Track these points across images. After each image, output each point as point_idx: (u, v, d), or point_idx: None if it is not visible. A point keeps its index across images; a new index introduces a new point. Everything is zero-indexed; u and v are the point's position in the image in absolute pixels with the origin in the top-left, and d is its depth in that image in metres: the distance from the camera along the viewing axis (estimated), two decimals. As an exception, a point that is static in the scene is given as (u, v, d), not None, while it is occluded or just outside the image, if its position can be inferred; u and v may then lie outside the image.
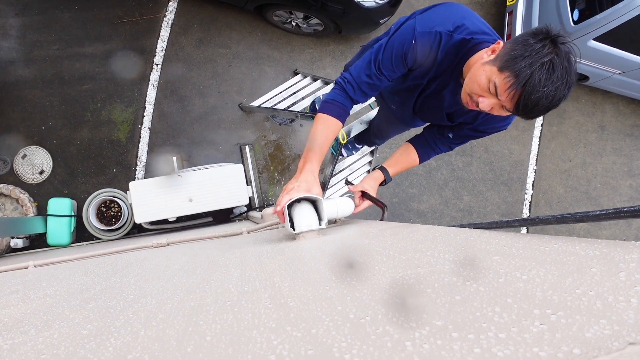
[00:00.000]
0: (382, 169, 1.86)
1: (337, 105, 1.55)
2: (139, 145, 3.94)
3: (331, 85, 3.34)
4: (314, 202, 1.38)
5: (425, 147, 1.89)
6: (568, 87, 1.16)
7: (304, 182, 1.41)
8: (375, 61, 1.47)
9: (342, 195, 2.93)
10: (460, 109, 1.56)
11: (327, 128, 1.54)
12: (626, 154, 5.30)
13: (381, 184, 1.86)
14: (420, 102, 1.68)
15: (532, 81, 1.13)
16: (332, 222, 1.84)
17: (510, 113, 1.30)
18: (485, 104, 1.29)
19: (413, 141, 1.91)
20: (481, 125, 1.70)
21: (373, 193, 1.76)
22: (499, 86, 1.22)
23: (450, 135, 1.81)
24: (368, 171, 3.07)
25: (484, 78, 1.26)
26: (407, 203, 4.58)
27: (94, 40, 3.91)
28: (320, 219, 1.34)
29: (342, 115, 1.55)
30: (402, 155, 1.91)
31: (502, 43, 1.30)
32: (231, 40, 4.20)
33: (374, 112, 2.67)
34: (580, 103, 5.21)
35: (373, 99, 2.80)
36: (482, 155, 4.79)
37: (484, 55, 1.32)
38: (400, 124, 2.13)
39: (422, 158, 1.91)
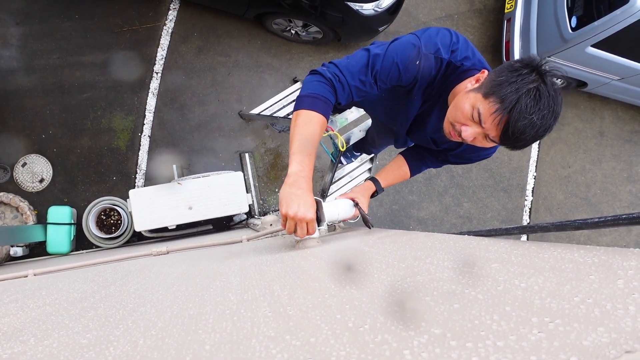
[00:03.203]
0: (374, 179, 1.84)
1: (326, 102, 1.37)
2: (139, 154, 3.95)
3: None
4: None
5: (417, 161, 1.89)
6: (554, 117, 1.13)
7: (304, 206, 1.23)
8: (373, 69, 1.37)
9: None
10: (444, 135, 1.53)
11: (321, 129, 1.36)
12: (625, 160, 5.31)
13: (372, 195, 1.82)
14: (411, 125, 1.66)
15: (518, 107, 1.10)
16: (332, 230, 1.84)
17: (494, 143, 1.25)
18: (469, 132, 1.25)
19: (405, 154, 1.92)
20: (466, 153, 1.69)
21: (364, 203, 1.71)
22: (483, 113, 1.18)
23: (440, 157, 1.82)
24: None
25: (467, 105, 1.22)
26: (407, 210, 4.57)
27: (94, 48, 3.93)
28: (320, 220, 1.34)
29: (328, 112, 1.39)
30: (393, 168, 1.90)
31: (486, 72, 1.27)
32: (231, 48, 4.22)
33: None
34: (579, 109, 5.23)
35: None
36: (481, 162, 4.79)
37: (468, 85, 1.28)
38: (391, 140, 2.11)
39: (413, 172, 1.91)
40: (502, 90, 1.13)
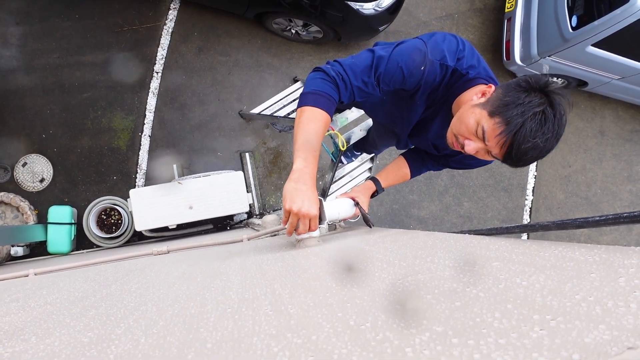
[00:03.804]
0: (374, 179, 1.84)
1: (330, 99, 1.35)
2: (139, 153, 3.95)
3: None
4: None
5: (417, 163, 1.90)
6: (557, 139, 1.15)
7: (308, 202, 1.24)
8: (377, 71, 1.35)
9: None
10: (445, 140, 1.48)
11: (325, 126, 1.35)
12: (626, 159, 5.31)
13: (373, 195, 1.82)
14: (413, 129, 1.65)
15: (523, 130, 1.11)
16: (333, 229, 1.84)
17: (495, 159, 1.27)
18: (471, 147, 1.26)
19: (406, 155, 1.92)
20: (467, 159, 1.69)
21: (364, 203, 1.71)
22: (487, 131, 1.19)
23: (440, 161, 1.83)
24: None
25: (472, 121, 1.23)
26: (407, 209, 4.57)
27: (95, 48, 3.93)
28: (320, 219, 1.34)
29: (332, 110, 1.37)
30: (394, 169, 1.91)
31: (493, 87, 1.27)
32: (231, 47, 4.22)
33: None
34: (580, 109, 5.22)
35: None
36: (482, 161, 4.79)
37: (474, 97, 1.28)
38: (392, 141, 2.10)
39: (414, 173, 1.91)
40: (508, 111, 1.14)
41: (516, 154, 1.16)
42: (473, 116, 1.23)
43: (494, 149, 1.21)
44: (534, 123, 1.10)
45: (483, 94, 1.27)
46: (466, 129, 1.25)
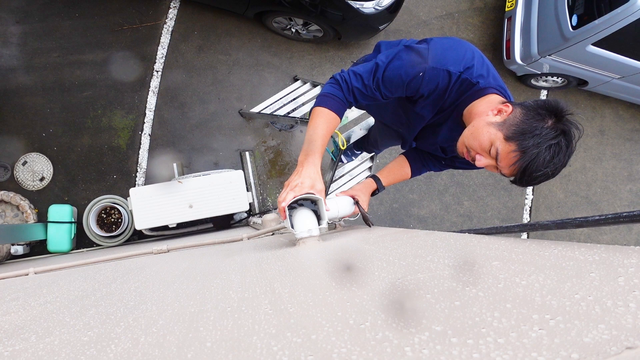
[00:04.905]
0: (375, 177, 1.85)
1: (336, 100, 1.46)
2: (139, 152, 3.95)
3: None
4: (314, 201, 1.36)
5: (419, 163, 1.91)
6: (564, 166, 1.22)
7: (308, 178, 1.33)
8: (375, 77, 1.42)
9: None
10: (454, 144, 1.50)
11: (328, 122, 1.45)
12: (626, 158, 5.30)
13: (373, 193, 1.83)
14: (419, 132, 1.67)
15: (537, 161, 1.17)
16: (333, 228, 1.84)
17: (502, 175, 1.33)
18: (482, 162, 1.31)
19: (408, 155, 1.92)
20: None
21: (364, 201, 1.72)
22: (501, 154, 1.24)
23: (443, 162, 1.86)
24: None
25: (486, 139, 1.26)
26: (407, 208, 4.57)
27: (95, 47, 3.93)
28: (320, 218, 1.33)
29: (340, 110, 1.48)
30: (395, 167, 1.91)
31: (511, 107, 1.28)
32: (231, 46, 4.21)
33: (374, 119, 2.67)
34: (580, 108, 5.22)
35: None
36: (482, 160, 4.78)
37: (489, 113, 1.30)
38: (396, 142, 2.11)
39: (414, 173, 1.92)
40: (524, 140, 1.19)
41: (526, 180, 1.23)
42: (488, 135, 1.26)
43: (504, 169, 1.27)
44: (548, 154, 1.17)
45: (499, 112, 1.29)
46: (479, 146, 1.29)
